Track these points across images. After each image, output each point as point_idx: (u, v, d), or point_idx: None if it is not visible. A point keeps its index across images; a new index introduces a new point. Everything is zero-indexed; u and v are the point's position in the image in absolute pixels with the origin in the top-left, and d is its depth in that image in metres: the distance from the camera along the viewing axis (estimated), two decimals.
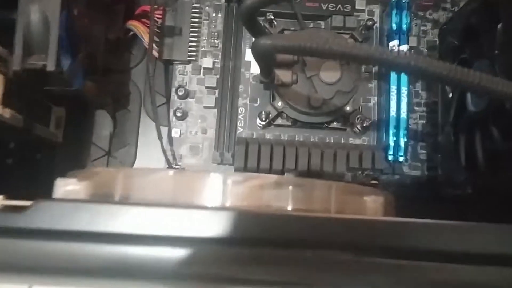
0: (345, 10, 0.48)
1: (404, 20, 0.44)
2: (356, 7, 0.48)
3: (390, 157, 0.43)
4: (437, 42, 0.47)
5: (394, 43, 0.45)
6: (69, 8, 0.37)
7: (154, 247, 0.24)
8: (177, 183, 0.28)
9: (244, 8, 0.30)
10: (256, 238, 0.24)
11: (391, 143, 0.44)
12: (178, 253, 0.24)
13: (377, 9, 0.49)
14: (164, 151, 0.46)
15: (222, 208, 0.28)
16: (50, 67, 0.34)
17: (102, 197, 0.30)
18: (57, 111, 0.46)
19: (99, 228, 0.24)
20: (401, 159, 0.44)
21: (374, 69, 0.48)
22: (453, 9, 0.49)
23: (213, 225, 0.24)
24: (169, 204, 0.26)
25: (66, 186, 0.31)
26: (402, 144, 0.43)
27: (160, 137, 0.46)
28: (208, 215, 0.25)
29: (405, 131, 0.43)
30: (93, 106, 0.49)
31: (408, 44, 0.46)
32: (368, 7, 0.49)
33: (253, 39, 0.34)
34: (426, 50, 0.49)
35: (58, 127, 0.46)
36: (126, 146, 0.49)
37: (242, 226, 0.24)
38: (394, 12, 0.45)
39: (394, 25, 0.45)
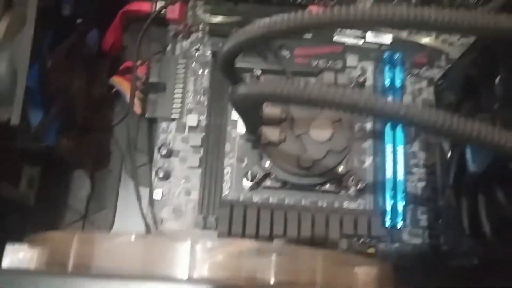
0: (336, 67, 0.46)
1: (398, 76, 0.43)
2: (348, 64, 0.46)
3: (388, 223, 0.40)
4: (434, 100, 0.45)
5: None
6: (42, 59, 0.35)
7: None
8: (138, 250, 0.25)
9: (221, 54, 0.28)
10: None
11: (388, 208, 0.40)
12: None
13: (370, 66, 0.47)
14: (143, 215, 0.42)
15: (189, 280, 0.24)
16: (15, 120, 0.32)
17: (55, 265, 0.26)
18: (29, 170, 0.43)
19: None
20: (399, 225, 0.40)
21: (369, 127, 0.46)
22: (448, 66, 0.48)
23: None
24: (125, 275, 0.22)
25: (17, 253, 0.27)
26: (400, 208, 0.40)
27: (139, 199, 0.42)
28: None
29: (403, 194, 0.40)
30: (70, 165, 0.46)
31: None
32: (360, 64, 0.47)
33: None
34: None
35: (30, 187, 0.43)
36: (104, 209, 0.46)
37: None
38: (387, 67, 0.43)
39: (387, 81, 0.43)
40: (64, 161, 0.44)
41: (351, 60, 0.47)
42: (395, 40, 0.47)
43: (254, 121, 0.38)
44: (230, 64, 0.29)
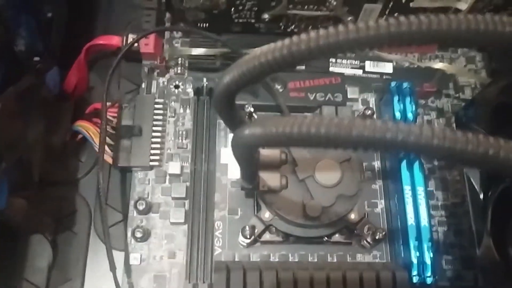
0: (336, 99, 0.41)
1: (409, 108, 0.37)
2: (349, 96, 0.41)
3: (415, 279, 0.34)
4: None
5: None
6: None
7: None
8: None
9: (218, 90, 0.21)
10: None
11: (414, 260, 0.34)
12: None
13: (371, 98, 0.42)
14: (117, 286, 0.34)
15: None
16: None
17: None
18: None
19: None
20: (429, 280, 0.34)
21: (377, 166, 0.40)
22: (457, 95, 0.43)
23: None
24: None
25: None
26: (428, 260, 0.34)
27: (113, 267, 0.35)
28: None
29: (430, 243, 0.34)
30: (26, 230, 0.37)
31: None
32: (361, 96, 0.42)
33: (231, 136, 0.26)
34: None
35: None
36: (69, 281, 0.38)
37: None
38: (395, 98, 0.38)
39: (397, 114, 0.38)
40: (17, 225, 0.36)
41: (352, 92, 0.42)
42: (396, 68, 0.43)
43: (252, 166, 0.32)
44: (230, 102, 0.23)
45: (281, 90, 0.41)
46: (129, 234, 0.38)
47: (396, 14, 0.34)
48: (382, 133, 0.16)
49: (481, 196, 0.34)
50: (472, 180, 0.35)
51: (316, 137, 0.17)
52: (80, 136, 0.40)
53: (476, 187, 0.35)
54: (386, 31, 0.17)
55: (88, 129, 0.39)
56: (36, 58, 0.38)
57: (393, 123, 0.16)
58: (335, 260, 0.37)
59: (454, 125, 0.41)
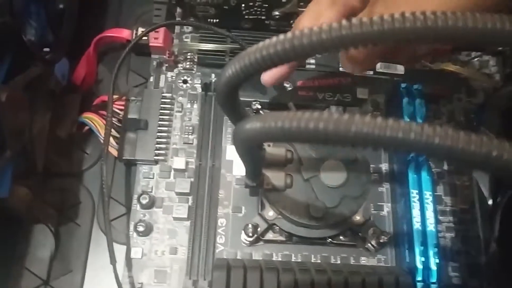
0: (345, 99, 0.40)
1: (419, 111, 0.37)
2: (358, 97, 0.41)
3: (420, 285, 0.33)
4: None
5: None
6: None
7: None
8: None
9: (220, 85, 0.21)
10: None
11: (419, 265, 0.33)
12: None
13: (381, 99, 0.41)
14: (118, 279, 0.34)
15: None
16: None
17: None
18: None
19: None
20: (433, 287, 0.33)
21: (385, 168, 0.39)
22: (469, 99, 0.42)
23: None
24: None
25: None
26: (433, 266, 0.33)
27: (114, 260, 0.34)
28: None
29: (436, 249, 0.33)
30: (28, 220, 0.37)
31: None
32: (371, 97, 0.41)
33: None
34: None
35: None
36: (70, 273, 0.38)
37: None
38: (405, 100, 0.37)
39: (406, 117, 0.37)
40: (20, 214, 0.36)
41: (361, 92, 0.41)
42: (408, 70, 0.42)
43: (256, 163, 0.31)
44: (232, 95, 0.22)
45: (289, 89, 0.40)
46: (131, 228, 0.37)
47: None
48: (382, 130, 0.16)
49: (490, 202, 0.33)
50: (481, 185, 0.34)
51: (314, 132, 0.17)
52: (86, 128, 0.40)
53: (485, 193, 0.34)
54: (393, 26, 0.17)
55: (94, 121, 0.39)
56: (46, 49, 0.38)
57: (393, 120, 0.16)
58: (338, 261, 0.37)
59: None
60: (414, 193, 0.35)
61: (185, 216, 0.37)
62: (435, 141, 0.15)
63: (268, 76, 0.34)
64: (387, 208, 0.38)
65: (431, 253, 0.33)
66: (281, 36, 0.18)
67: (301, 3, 0.39)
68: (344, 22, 0.17)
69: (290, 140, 0.29)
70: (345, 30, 0.17)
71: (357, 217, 0.36)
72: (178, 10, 0.42)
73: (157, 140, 0.39)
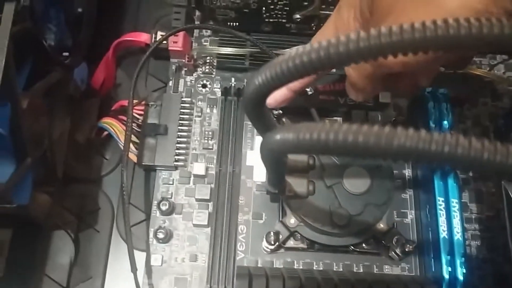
0: (368, 104, 0.39)
1: (445, 116, 0.36)
2: (380, 101, 0.40)
3: None
4: None
5: None
6: (15, 98, 0.27)
7: None
8: None
9: (248, 94, 0.20)
10: None
11: (446, 275, 0.32)
12: None
13: (404, 103, 0.41)
14: (138, 286, 0.34)
15: None
16: None
17: None
18: None
19: None
20: None
21: (408, 174, 0.39)
22: (495, 103, 0.41)
23: None
24: None
25: None
26: (460, 276, 0.32)
27: (134, 267, 0.34)
28: None
29: (463, 259, 0.32)
30: (48, 226, 0.37)
31: None
32: (393, 101, 0.40)
33: (257, 138, 0.25)
34: None
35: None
36: (90, 279, 0.38)
37: None
38: (430, 105, 0.36)
39: (431, 123, 0.36)
40: (40, 221, 0.36)
41: (384, 96, 0.40)
42: None
43: (280, 171, 0.31)
44: (261, 104, 0.22)
45: (310, 93, 0.40)
46: (151, 234, 0.37)
47: None
48: (426, 144, 0.15)
49: None
50: (510, 192, 0.33)
51: (353, 146, 0.16)
52: (105, 133, 0.40)
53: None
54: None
55: (113, 126, 0.39)
56: (65, 54, 0.38)
57: (438, 133, 0.15)
58: (361, 270, 0.36)
59: (492, 134, 0.39)
60: (440, 200, 0.34)
61: (205, 222, 0.37)
62: (484, 156, 0.14)
63: (272, 99, 0.34)
64: (410, 215, 0.38)
65: (458, 262, 0.32)
66: (315, 44, 0.18)
67: (323, 6, 0.38)
68: (383, 29, 0.16)
69: (325, 153, 0.28)
70: (384, 37, 0.16)
71: (381, 225, 0.35)
72: (197, 13, 0.42)
73: (177, 145, 0.38)
